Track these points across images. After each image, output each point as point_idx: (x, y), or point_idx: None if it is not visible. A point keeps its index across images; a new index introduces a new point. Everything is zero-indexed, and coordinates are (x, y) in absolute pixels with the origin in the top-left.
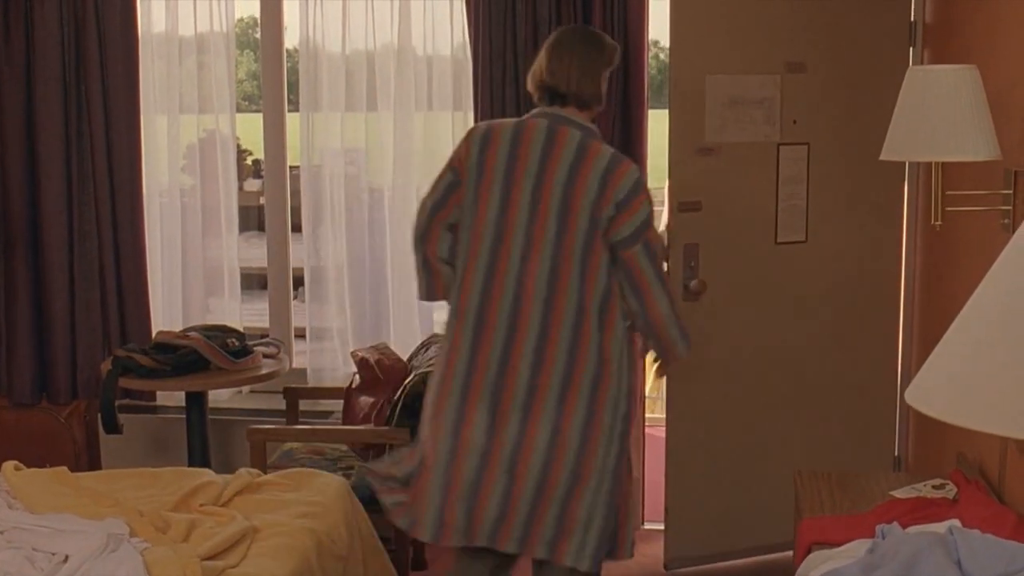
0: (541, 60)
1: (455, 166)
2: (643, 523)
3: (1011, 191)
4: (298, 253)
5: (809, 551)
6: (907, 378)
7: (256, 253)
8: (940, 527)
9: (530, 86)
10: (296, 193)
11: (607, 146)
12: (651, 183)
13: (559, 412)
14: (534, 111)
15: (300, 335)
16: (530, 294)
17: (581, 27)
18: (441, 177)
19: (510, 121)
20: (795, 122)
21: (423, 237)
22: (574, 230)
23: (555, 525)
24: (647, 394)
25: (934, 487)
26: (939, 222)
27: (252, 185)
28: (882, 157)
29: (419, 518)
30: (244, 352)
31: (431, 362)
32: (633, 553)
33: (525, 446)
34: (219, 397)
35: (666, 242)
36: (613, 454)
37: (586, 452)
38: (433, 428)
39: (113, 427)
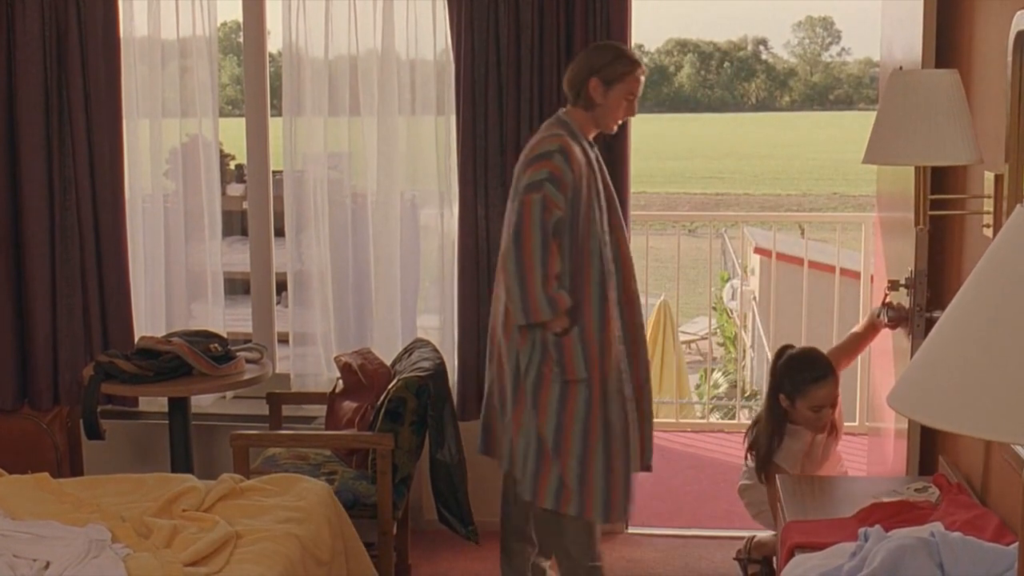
0: None
1: None
2: (627, 527)
3: (992, 195)
4: (281, 258)
5: (792, 554)
6: None
7: (239, 258)
8: (923, 530)
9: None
10: (279, 198)
11: None
12: (635, 187)
13: None
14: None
15: (283, 340)
16: None
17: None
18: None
19: None
20: None
21: None
22: None
23: None
24: None
25: (917, 490)
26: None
27: (235, 190)
28: (863, 161)
29: None
30: (227, 357)
31: (415, 367)
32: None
33: None
34: (202, 402)
35: None
36: None
37: None
38: None
39: (95, 433)
